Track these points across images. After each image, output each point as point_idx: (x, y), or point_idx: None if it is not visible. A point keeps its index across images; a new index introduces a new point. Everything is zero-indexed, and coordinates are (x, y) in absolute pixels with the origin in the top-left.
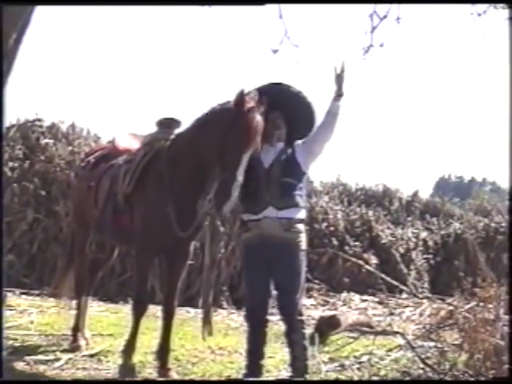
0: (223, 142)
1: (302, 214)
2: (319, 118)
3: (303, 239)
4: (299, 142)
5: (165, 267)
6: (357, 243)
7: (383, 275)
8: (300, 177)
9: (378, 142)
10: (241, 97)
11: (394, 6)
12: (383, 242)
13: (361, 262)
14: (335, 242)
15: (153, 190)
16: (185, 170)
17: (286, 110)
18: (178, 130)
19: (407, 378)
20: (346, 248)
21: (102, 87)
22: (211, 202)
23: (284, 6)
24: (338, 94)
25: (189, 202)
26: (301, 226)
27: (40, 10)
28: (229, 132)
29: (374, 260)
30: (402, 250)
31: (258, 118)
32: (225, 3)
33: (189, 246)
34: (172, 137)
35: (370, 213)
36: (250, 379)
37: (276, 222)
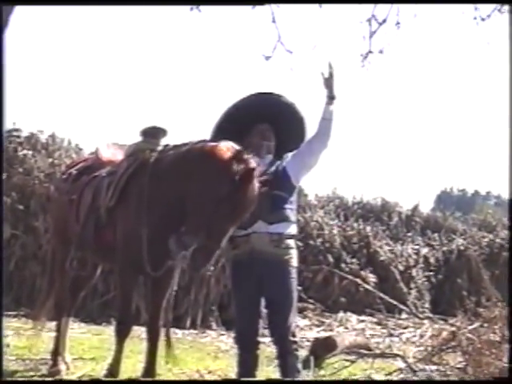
0: (214, 210)
1: (293, 229)
2: (311, 131)
3: (295, 255)
4: (289, 154)
5: (149, 286)
6: (354, 260)
7: (382, 294)
8: (291, 190)
9: (376, 153)
10: (249, 174)
11: (394, 9)
12: (382, 258)
13: (358, 280)
14: (331, 259)
15: (134, 206)
16: (165, 196)
17: (276, 121)
18: (164, 140)
19: None
20: (343, 265)
21: (83, 95)
22: (184, 246)
23: (278, 10)
24: (330, 97)
25: (163, 232)
26: (292, 242)
27: (17, 14)
28: (223, 203)
29: (372, 278)
30: (401, 268)
31: (256, 191)
32: (225, 3)
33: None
34: (159, 148)
35: (368, 228)
36: (250, 379)
37: (266, 237)
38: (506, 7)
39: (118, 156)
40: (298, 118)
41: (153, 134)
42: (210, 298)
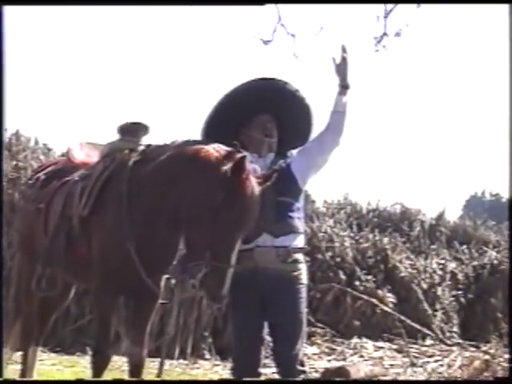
0: (214, 223)
1: (301, 241)
2: (319, 125)
3: (304, 271)
4: (294, 151)
5: (131, 308)
6: (369, 277)
7: (402, 316)
8: (297, 195)
9: (394, 152)
10: (241, 166)
11: None
12: (402, 275)
13: (374, 300)
14: (342, 276)
15: (112, 215)
16: (148, 204)
17: (279, 112)
18: (145, 138)
19: None
20: (356, 283)
21: (52, 87)
22: (183, 270)
23: None
24: (343, 86)
25: (157, 242)
26: (301, 256)
27: None
28: (221, 212)
29: (390, 298)
30: (424, 286)
31: (257, 192)
32: (225, 3)
33: (159, 280)
34: (140, 147)
35: (385, 240)
36: (250, 380)
37: (272, 251)
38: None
39: (93, 157)
40: (305, 109)
41: (132, 131)
42: (202, 322)
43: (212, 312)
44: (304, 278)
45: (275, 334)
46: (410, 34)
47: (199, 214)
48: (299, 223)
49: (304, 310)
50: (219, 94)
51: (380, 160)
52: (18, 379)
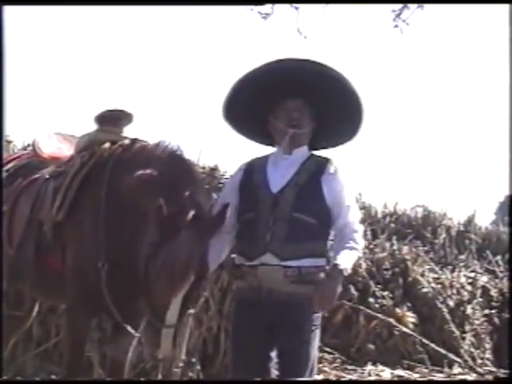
0: (146, 266)
1: (319, 261)
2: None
3: None
4: (333, 164)
5: (109, 329)
6: (386, 293)
7: (425, 340)
8: (324, 215)
9: (414, 147)
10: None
11: None
12: (424, 290)
13: (392, 320)
14: (354, 292)
15: (90, 223)
16: (126, 213)
17: (314, 98)
18: (129, 128)
19: None
20: (371, 300)
21: (13, 69)
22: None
23: None
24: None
25: (133, 266)
26: (317, 276)
27: None
28: (151, 258)
29: (410, 317)
30: (451, 303)
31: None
32: (225, 3)
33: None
34: (125, 140)
35: (405, 248)
36: (250, 380)
37: (279, 271)
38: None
39: (65, 151)
40: (352, 98)
41: (113, 119)
42: (189, 345)
43: (200, 334)
44: None
45: (281, 365)
46: (409, 34)
47: (142, 256)
48: (319, 247)
49: (315, 340)
50: (210, 76)
51: (398, 156)
52: (18, 379)
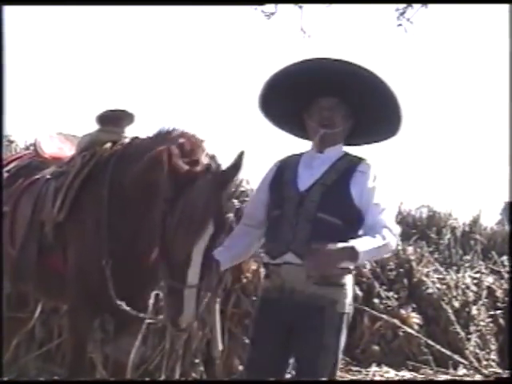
0: (163, 224)
1: (345, 263)
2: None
3: (346, 297)
4: (367, 163)
5: (111, 330)
6: (390, 294)
7: (430, 341)
8: (351, 216)
9: (417, 146)
10: (175, 164)
11: None
12: (429, 291)
13: (396, 321)
14: (358, 292)
15: (92, 222)
16: (130, 209)
17: (349, 96)
18: (130, 128)
19: None
20: (375, 301)
21: (15, 68)
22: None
23: None
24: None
25: (138, 260)
26: (343, 278)
27: None
28: (168, 211)
29: (415, 318)
30: (456, 304)
31: (209, 191)
32: (225, 3)
33: (147, 299)
34: (125, 140)
35: (410, 249)
36: (250, 380)
37: (302, 270)
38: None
39: (67, 151)
40: (389, 98)
41: (115, 119)
42: (192, 346)
43: (204, 334)
44: (344, 305)
45: (299, 372)
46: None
47: (155, 223)
48: None
49: (338, 345)
50: (214, 75)
51: (402, 155)
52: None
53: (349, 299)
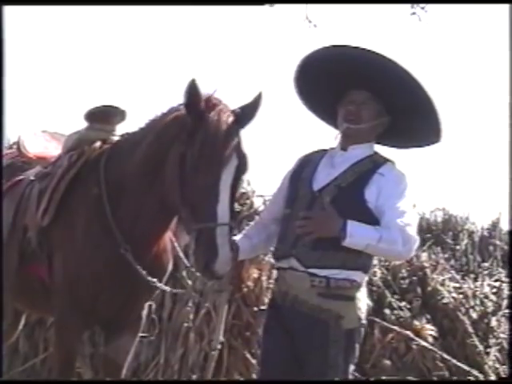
0: (181, 166)
1: (353, 274)
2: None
3: (356, 311)
4: (390, 162)
5: (102, 343)
6: (403, 304)
7: (445, 355)
8: (364, 222)
9: (432, 144)
10: (195, 91)
11: None
12: (445, 301)
13: (409, 333)
14: (368, 302)
15: (82, 225)
16: (141, 198)
17: (384, 92)
18: (122, 126)
19: None
20: (386, 311)
21: None
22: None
23: None
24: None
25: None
26: (352, 291)
27: None
28: (187, 148)
29: (430, 330)
30: (474, 315)
31: (230, 122)
32: (225, 3)
33: (140, 310)
34: (115, 137)
35: (424, 255)
36: (251, 380)
37: (306, 278)
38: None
39: (53, 150)
40: (426, 102)
41: (104, 117)
42: (189, 360)
43: (201, 348)
44: (352, 321)
45: None
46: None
47: (171, 173)
48: (352, 257)
49: (347, 365)
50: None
51: (415, 155)
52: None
53: (359, 314)
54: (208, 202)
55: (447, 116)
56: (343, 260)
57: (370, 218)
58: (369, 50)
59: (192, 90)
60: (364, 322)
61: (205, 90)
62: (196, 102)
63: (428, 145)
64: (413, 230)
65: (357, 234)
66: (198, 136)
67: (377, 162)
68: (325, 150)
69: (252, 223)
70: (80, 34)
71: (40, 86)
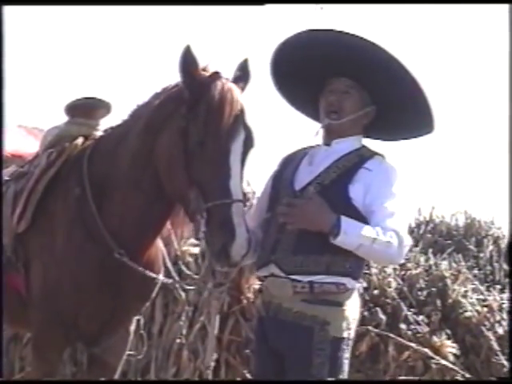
0: (184, 141)
1: (340, 279)
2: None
3: (344, 319)
4: (379, 156)
5: (85, 362)
6: (420, 318)
7: (468, 374)
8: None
9: (453, 141)
10: (191, 58)
11: None
12: (467, 315)
13: (427, 350)
14: (382, 316)
15: (64, 230)
16: (130, 195)
17: (365, 77)
18: (106, 120)
19: None
20: (402, 326)
21: None
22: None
23: None
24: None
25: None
26: (339, 296)
27: None
28: (189, 122)
29: (450, 347)
30: (500, 330)
31: (234, 92)
32: (225, 3)
33: (128, 324)
34: (98, 132)
35: (444, 264)
36: (251, 380)
37: (287, 284)
38: None
39: (29, 147)
40: (414, 89)
41: (87, 110)
42: (182, 378)
43: (195, 368)
44: (339, 328)
45: None
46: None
47: (170, 152)
48: (338, 261)
49: (332, 376)
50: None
51: (435, 152)
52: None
53: (347, 322)
54: (219, 177)
55: (447, 109)
56: (327, 264)
57: (357, 218)
58: (347, 33)
59: (188, 57)
60: (353, 335)
61: (200, 60)
62: (194, 70)
63: (418, 136)
64: (405, 233)
65: (351, 232)
66: (201, 106)
67: (363, 155)
68: (308, 148)
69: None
70: (58, 23)
71: (14, 75)
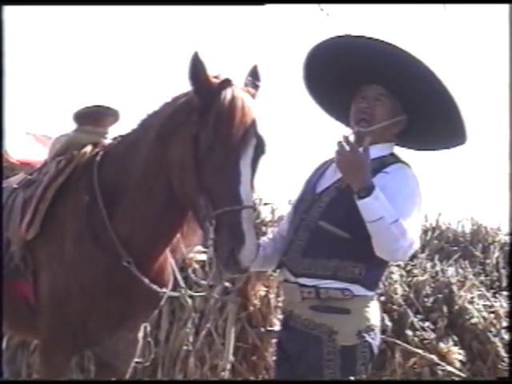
0: (195, 148)
1: (347, 286)
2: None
3: (353, 326)
4: (402, 163)
5: (93, 369)
6: (427, 324)
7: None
8: (361, 227)
9: (458, 148)
10: (200, 64)
11: None
12: (473, 321)
13: (434, 357)
14: (388, 323)
15: (73, 239)
16: (141, 204)
17: (397, 85)
18: (114, 128)
19: None
20: (408, 333)
21: None
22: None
23: None
24: (359, 196)
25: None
26: (347, 303)
27: None
28: (200, 128)
29: (457, 354)
30: (507, 336)
31: (245, 99)
32: (225, 3)
33: (136, 332)
34: (107, 140)
35: (450, 270)
36: (252, 380)
37: (296, 289)
38: None
39: (37, 155)
40: (447, 102)
41: (96, 118)
42: None
43: (202, 374)
44: (348, 337)
45: None
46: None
47: (182, 158)
48: (346, 267)
49: None
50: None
51: (441, 158)
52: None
53: (358, 329)
54: (230, 183)
55: (471, 117)
56: (335, 268)
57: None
58: (382, 41)
59: (196, 64)
60: (368, 338)
61: (209, 66)
62: (203, 76)
63: (450, 147)
64: (415, 236)
65: (380, 200)
66: (212, 113)
67: (385, 162)
68: None
69: (269, 235)
70: (66, 31)
71: (23, 83)
